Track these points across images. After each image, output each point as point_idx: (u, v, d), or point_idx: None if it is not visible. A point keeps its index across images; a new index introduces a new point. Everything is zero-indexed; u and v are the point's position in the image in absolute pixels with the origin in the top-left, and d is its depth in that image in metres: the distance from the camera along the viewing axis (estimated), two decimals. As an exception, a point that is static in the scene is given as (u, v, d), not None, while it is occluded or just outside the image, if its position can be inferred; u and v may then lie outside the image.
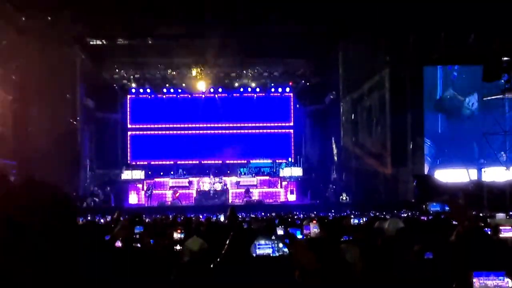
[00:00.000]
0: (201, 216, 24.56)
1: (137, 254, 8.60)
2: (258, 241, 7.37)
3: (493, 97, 38.26)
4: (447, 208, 12.05)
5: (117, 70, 44.71)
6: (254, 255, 7.16)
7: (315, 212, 31.83)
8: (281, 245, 7.49)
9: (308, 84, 46.59)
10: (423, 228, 11.86)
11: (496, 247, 6.26)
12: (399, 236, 7.61)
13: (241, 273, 6.38)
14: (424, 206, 28.22)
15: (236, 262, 4.15)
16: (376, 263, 5.83)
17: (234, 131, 47.59)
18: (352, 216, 20.18)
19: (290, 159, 46.47)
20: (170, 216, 24.72)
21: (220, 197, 42.49)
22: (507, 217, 15.59)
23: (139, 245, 10.18)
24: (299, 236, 10.52)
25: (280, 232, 11.37)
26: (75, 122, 40.34)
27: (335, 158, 44.03)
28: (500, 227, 10.89)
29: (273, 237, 7.70)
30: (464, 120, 38.96)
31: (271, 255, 7.56)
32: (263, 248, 7.38)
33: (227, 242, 4.25)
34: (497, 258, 5.21)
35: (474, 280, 4.56)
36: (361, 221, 16.77)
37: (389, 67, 38.26)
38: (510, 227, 10.94)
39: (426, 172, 38.27)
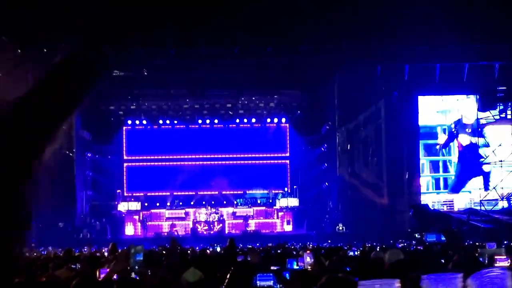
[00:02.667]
0: (197, 248, 24.45)
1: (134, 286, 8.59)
2: (259, 273, 7.34)
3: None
4: (443, 238, 12.10)
5: (113, 102, 44.80)
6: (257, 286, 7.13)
7: (309, 243, 31.75)
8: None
9: (304, 114, 46.68)
10: (419, 258, 11.86)
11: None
12: (400, 268, 7.59)
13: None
14: (420, 236, 28.23)
15: None
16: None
17: (230, 162, 47.57)
18: (346, 248, 20.13)
19: (286, 189, 46.44)
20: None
21: (216, 228, 42.50)
22: (501, 246, 15.59)
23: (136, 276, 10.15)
24: (295, 267, 10.52)
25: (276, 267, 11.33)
26: (71, 154, 40.34)
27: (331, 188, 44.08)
28: (496, 257, 10.94)
29: (272, 268, 7.67)
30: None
31: (274, 287, 7.53)
32: (265, 280, 7.35)
33: (228, 276, 4.23)
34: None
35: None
36: (357, 252, 16.74)
37: (384, 98, 38.40)
38: (505, 257, 10.99)
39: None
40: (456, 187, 39.04)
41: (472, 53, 36.02)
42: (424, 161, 39.50)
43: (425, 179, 39.49)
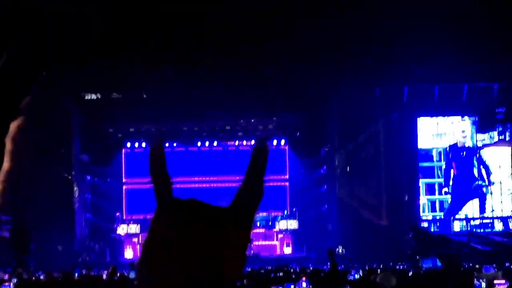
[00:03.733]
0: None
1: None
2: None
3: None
4: (439, 264, 12.04)
5: (112, 124, 44.85)
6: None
7: (310, 266, 31.66)
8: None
9: (303, 136, 46.68)
10: (415, 284, 11.78)
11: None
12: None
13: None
14: (417, 261, 28.19)
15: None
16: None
17: (230, 184, 47.48)
18: (346, 270, 20.07)
19: (286, 211, 46.34)
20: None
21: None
22: (501, 269, 15.51)
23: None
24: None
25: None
26: (70, 177, 40.31)
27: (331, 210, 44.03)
28: (495, 281, 10.85)
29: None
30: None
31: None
32: None
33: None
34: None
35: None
36: (356, 275, 16.66)
37: (383, 119, 38.41)
38: (504, 281, 10.90)
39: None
40: (452, 211, 38.93)
41: (471, 74, 36.07)
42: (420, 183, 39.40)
43: (421, 201, 39.35)
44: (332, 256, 8.61)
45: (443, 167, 39.05)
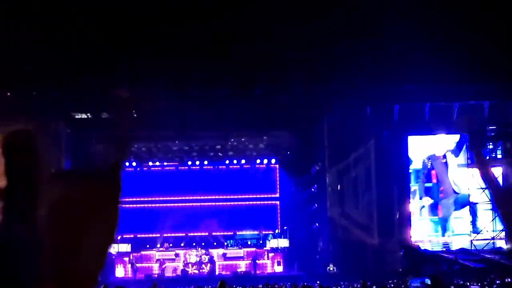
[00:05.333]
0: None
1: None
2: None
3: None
4: (428, 283, 12.04)
5: (101, 143, 44.81)
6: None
7: (303, 283, 31.62)
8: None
9: (293, 155, 46.72)
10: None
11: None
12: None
13: None
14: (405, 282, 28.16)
15: None
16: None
17: (220, 203, 47.50)
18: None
19: (277, 230, 46.29)
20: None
21: (207, 269, 42.46)
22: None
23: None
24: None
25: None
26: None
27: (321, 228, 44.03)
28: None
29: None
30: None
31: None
32: None
33: None
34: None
35: None
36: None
37: (374, 138, 38.45)
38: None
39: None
40: (444, 227, 38.89)
41: (461, 92, 36.16)
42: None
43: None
44: None
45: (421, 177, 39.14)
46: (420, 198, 39.03)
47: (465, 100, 37.04)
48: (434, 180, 38.87)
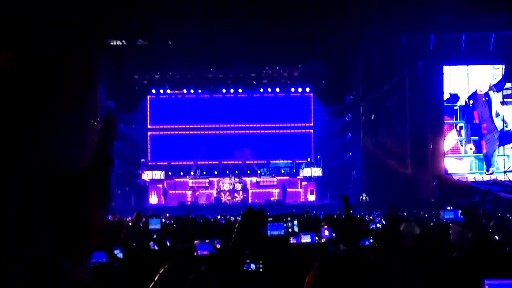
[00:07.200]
0: (219, 217, 24.52)
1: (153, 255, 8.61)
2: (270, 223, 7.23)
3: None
4: (461, 217, 11.87)
5: (137, 71, 44.96)
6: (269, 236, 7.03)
7: (338, 210, 31.77)
8: (293, 227, 7.33)
9: (328, 84, 46.52)
10: (439, 233, 11.67)
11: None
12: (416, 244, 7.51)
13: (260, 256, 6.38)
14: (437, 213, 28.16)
15: (251, 244, 4.05)
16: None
17: (254, 131, 47.54)
18: (369, 219, 20.06)
19: (310, 159, 46.34)
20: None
21: (240, 197, 42.84)
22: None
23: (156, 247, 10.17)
24: (316, 238, 10.44)
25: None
26: (95, 123, 40.45)
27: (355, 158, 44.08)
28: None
29: (284, 219, 7.50)
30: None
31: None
32: (276, 229, 7.26)
33: (237, 225, 4.12)
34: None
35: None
36: (379, 224, 16.57)
37: (409, 68, 38.11)
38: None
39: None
40: (488, 162, 38.50)
41: (498, 22, 35.60)
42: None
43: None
44: (346, 202, 8.58)
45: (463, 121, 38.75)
46: (465, 135, 38.69)
47: (502, 30, 36.44)
48: (476, 120, 38.34)
